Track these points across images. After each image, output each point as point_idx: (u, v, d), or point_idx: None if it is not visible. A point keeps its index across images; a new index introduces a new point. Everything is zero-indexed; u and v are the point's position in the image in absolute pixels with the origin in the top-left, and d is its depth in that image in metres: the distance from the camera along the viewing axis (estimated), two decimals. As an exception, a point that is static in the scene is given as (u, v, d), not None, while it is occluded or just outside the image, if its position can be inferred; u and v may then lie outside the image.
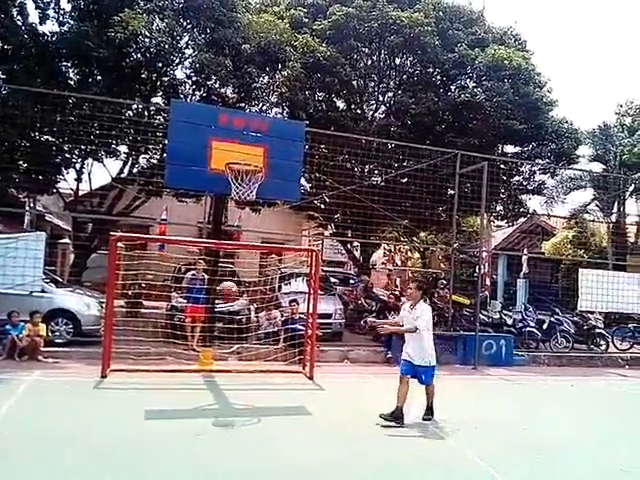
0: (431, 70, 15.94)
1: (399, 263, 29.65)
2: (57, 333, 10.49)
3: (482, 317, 13.31)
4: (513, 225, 21.41)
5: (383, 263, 29.08)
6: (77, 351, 10.10)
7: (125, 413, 6.55)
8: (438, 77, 16.18)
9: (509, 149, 17.56)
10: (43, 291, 10.45)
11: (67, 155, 13.47)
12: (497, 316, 14.50)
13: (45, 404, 6.88)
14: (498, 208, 18.18)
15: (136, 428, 6.04)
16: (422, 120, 14.96)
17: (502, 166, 16.44)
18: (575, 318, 14.71)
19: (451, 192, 14.91)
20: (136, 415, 6.45)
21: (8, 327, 9.57)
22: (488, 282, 19.08)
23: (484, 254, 17.39)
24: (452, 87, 16.19)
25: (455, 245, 14.92)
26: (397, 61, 16.00)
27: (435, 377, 7.06)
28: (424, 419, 7.01)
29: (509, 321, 14.30)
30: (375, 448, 5.90)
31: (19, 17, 12.74)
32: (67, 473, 4.71)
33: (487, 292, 17.88)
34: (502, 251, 23.32)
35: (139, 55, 12.17)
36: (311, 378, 9.32)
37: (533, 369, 12.26)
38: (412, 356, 6.85)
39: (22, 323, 9.65)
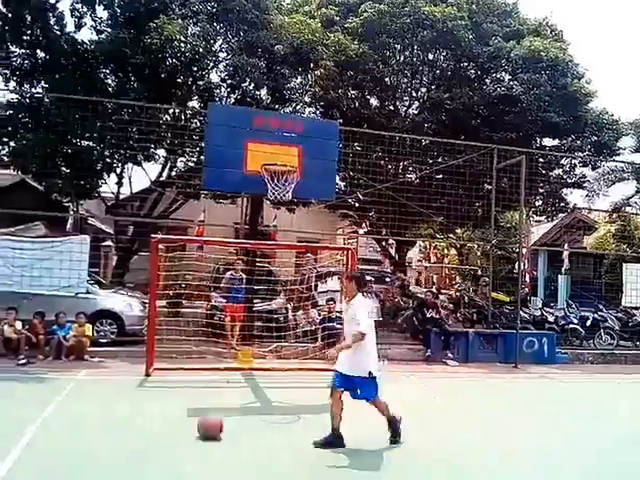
0: (465, 64, 15.74)
1: (435, 260, 29.34)
2: (102, 333, 10.80)
3: (523, 314, 13.09)
4: (553, 220, 20.91)
5: (419, 260, 28.82)
6: (121, 350, 10.40)
7: (169, 411, 6.69)
8: (473, 71, 15.97)
9: (547, 142, 17.17)
10: (88, 293, 10.79)
11: (108, 160, 13.83)
12: (538, 313, 14.22)
13: (92, 402, 7.10)
14: (537, 203, 17.81)
15: (180, 425, 6.15)
16: (457, 115, 14.79)
17: (541, 160, 16.11)
18: (619, 314, 14.30)
19: (488, 187, 14.69)
20: (180, 412, 6.58)
21: (55, 328, 9.89)
22: (528, 279, 18.69)
23: (524, 250, 17.03)
24: (487, 81, 15.94)
25: (493, 241, 14.68)
26: (430, 56, 15.85)
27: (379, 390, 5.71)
28: (391, 442, 5.77)
29: (551, 318, 14.00)
30: (417, 447, 5.86)
31: (57, 27, 13.20)
32: (113, 468, 4.85)
33: (527, 289, 17.53)
34: (542, 247, 22.77)
35: (175, 60, 12.41)
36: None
37: (577, 367, 12.00)
38: (344, 364, 5.58)
39: (69, 324, 9.97)
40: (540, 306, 15.43)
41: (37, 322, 9.87)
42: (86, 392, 7.71)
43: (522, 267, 15.69)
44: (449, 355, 11.51)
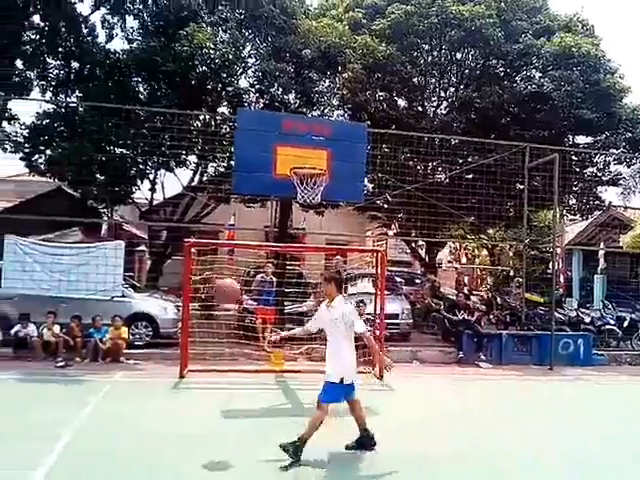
0: (494, 62, 15.56)
1: (466, 261, 28.99)
2: (137, 336, 11.02)
3: (558, 315, 12.82)
4: (588, 219, 20.42)
5: (449, 261, 28.52)
6: (156, 353, 10.60)
7: (203, 412, 6.81)
8: (502, 69, 15.78)
9: (580, 140, 16.82)
10: (123, 296, 11.03)
11: (141, 167, 14.14)
12: (574, 314, 13.91)
13: (128, 403, 7.27)
14: (571, 201, 17.45)
15: (212, 427, 6.27)
16: (487, 114, 14.63)
17: (574, 157, 15.79)
18: (658, 315, 13.88)
19: (520, 186, 14.47)
20: (214, 414, 6.70)
21: (92, 331, 10.15)
22: (562, 279, 18.31)
23: (558, 250, 16.70)
24: (517, 79, 15.74)
25: (526, 241, 14.45)
26: (458, 55, 15.73)
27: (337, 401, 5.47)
28: (348, 447, 5.56)
29: (587, 319, 13.67)
30: (451, 449, 5.82)
31: (90, 38, 13.58)
32: (149, 467, 4.96)
33: (562, 289, 17.18)
34: (577, 246, 22.26)
35: (204, 67, 12.62)
36: (380, 378, 9.30)
37: (614, 369, 11.71)
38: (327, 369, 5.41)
39: (105, 327, 10.22)
40: (575, 307, 15.11)
41: (74, 325, 10.13)
42: (122, 393, 7.88)
43: (556, 267, 15.39)
44: (482, 357, 11.37)
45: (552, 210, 13.98)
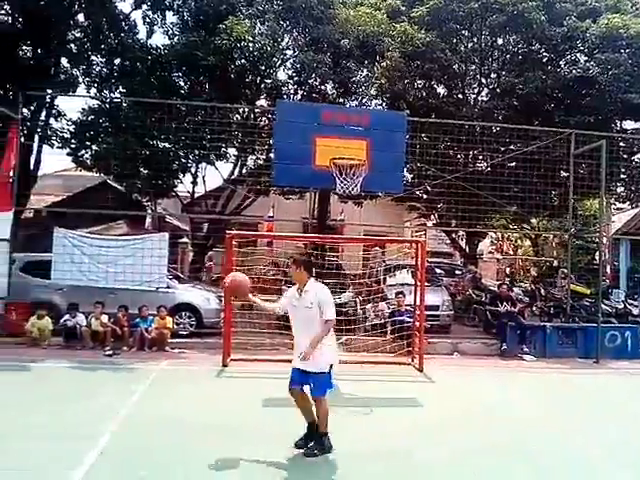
0: (538, 47, 15.09)
1: (509, 252, 28.41)
2: (181, 325, 11.30)
3: (604, 307, 12.44)
4: (638, 207, 19.68)
5: (490, 252, 28.02)
6: (199, 342, 10.85)
7: (246, 400, 6.94)
8: (545, 54, 15.29)
9: (628, 125, 16.19)
10: (168, 287, 11.31)
11: (183, 160, 14.40)
12: (621, 306, 13.49)
13: (173, 390, 7.48)
14: (619, 189, 16.83)
15: (255, 415, 6.39)
16: (530, 100, 14.22)
17: (622, 144, 15.22)
18: None
19: (565, 174, 14.06)
20: (255, 403, 6.81)
21: (138, 321, 10.45)
22: (608, 270, 17.74)
23: (604, 239, 16.18)
24: (562, 63, 15.23)
25: (572, 231, 14.04)
26: (500, 41, 15.36)
27: (331, 389, 5.26)
28: (297, 446, 5.27)
29: (635, 311, 13.27)
30: (495, 442, 5.76)
31: (131, 34, 13.88)
32: (187, 453, 5.09)
33: (608, 280, 16.65)
34: (624, 236, 21.50)
35: (243, 60, 12.72)
36: (421, 370, 9.26)
37: (665, 362, 11.29)
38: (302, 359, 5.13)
39: (150, 317, 10.52)
40: (622, 298, 14.63)
41: (122, 315, 10.45)
42: (168, 382, 8.09)
43: (603, 257, 14.92)
44: (525, 350, 11.16)
45: (598, 198, 13.53)
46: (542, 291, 15.27)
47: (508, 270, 25.76)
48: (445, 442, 5.70)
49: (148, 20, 14.30)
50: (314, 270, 5.69)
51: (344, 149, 9.23)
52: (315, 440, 5.24)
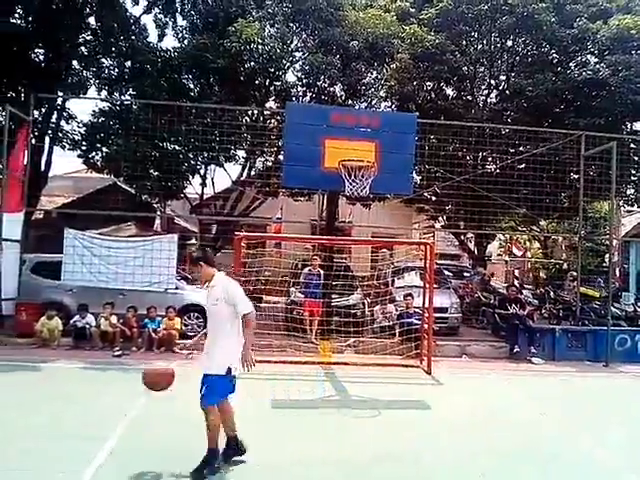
0: (547, 49, 15.03)
1: (517, 254, 28.29)
2: (189, 327, 11.31)
3: (614, 310, 12.35)
4: (648, 209, 19.57)
5: (499, 254, 27.91)
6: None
7: (253, 402, 6.93)
8: (555, 55, 15.21)
9: (639, 127, 16.07)
10: (176, 288, 11.36)
11: (192, 162, 14.46)
12: (631, 309, 13.36)
13: (181, 392, 7.45)
14: (629, 191, 16.71)
15: (263, 416, 6.40)
16: (540, 102, 14.15)
17: (632, 145, 15.11)
18: None
19: (575, 176, 13.98)
20: (263, 404, 6.84)
21: (147, 321, 10.49)
22: (618, 272, 17.62)
23: (614, 242, 16.06)
24: (572, 65, 15.13)
25: (582, 233, 13.95)
26: (509, 43, 15.30)
27: (232, 396, 4.85)
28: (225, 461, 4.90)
29: (645, 314, 13.12)
30: (496, 445, 5.74)
31: (141, 37, 13.97)
32: (194, 452, 5.03)
33: (618, 283, 16.53)
34: (635, 238, 21.33)
35: (253, 62, 12.74)
36: (429, 372, 9.24)
37: (676, 366, 11.19)
38: (202, 361, 4.84)
39: (159, 318, 10.56)
40: (633, 301, 14.51)
41: (131, 316, 10.52)
42: (176, 382, 8.08)
43: (613, 260, 14.82)
44: (534, 352, 11.10)
45: (608, 201, 13.44)
46: (551, 294, 15.18)
47: (517, 272, 25.64)
48: (453, 445, 5.69)
49: (159, 23, 14.39)
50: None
51: (353, 151, 9.25)
52: (205, 460, 4.61)
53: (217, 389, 4.62)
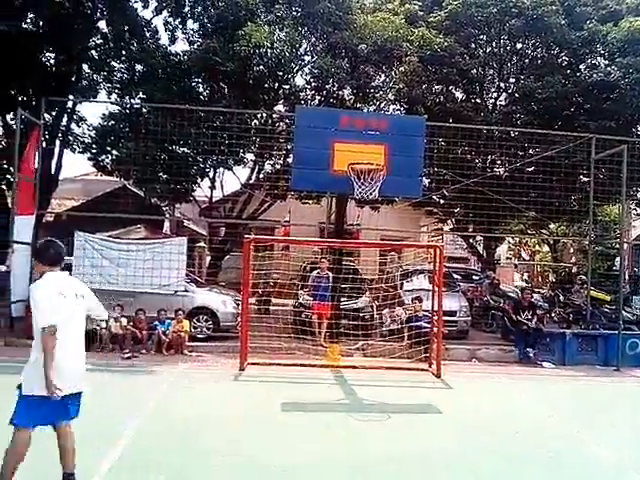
0: (557, 51, 14.99)
1: (526, 257, 28.18)
2: (198, 329, 11.35)
3: (625, 314, 12.25)
4: (659, 212, 19.44)
5: (508, 258, 27.81)
6: (216, 345, 10.88)
7: (263, 405, 6.96)
8: (565, 58, 15.16)
9: (650, 130, 15.96)
10: (186, 291, 11.39)
11: (201, 165, 14.51)
12: (642, 313, 13.27)
13: (191, 393, 7.53)
14: (639, 195, 16.60)
15: (273, 419, 6.39)
16: (549, 105, 14.08)
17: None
18: None
19: (585, 179, 13.90)
20: (273, 407, 6.82)
21: (156, 324, 10.52)
22: (627, 276, 17.49)
23: (625, 245, 15.95)
24: (582, 67, 15.09)
25: (592, 236, 13.86)
26: (519, 45, 15.28)
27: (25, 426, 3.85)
28: None
29: (656, 318, 13.02)
30: (505, 449, 5.71)
31: (152, 41, 14.06)
32: (206, 456, 5.10)
33: (628, 287, 16.41)
34: (646, 242, 21.20)
35: (262, 66, 12.76)
36: (439, 376, 9.20)
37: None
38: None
39: (168, 320, 10.58)
40: (643, 305, 14.39)
41: (140, 318, 10.56)
42: (186, 385, 8.14)
43: (623, 263, 14.71)
44: (544, 357, 11.03)
45: (618, 204, 13.35)
46: (561, 297, 15.08)
47: (526, 275, 25.54)
48: (461, 447, 5.66)
49: (168, 27, 14.47)
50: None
51: (362, 154, 9.26)
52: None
53: (20, 411, 3.82)
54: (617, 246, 14.11)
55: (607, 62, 14.37)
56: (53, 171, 14.27)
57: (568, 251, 24.71)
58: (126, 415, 6.13)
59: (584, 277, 14.14)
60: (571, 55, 14.90)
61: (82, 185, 21.71)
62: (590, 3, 14.58)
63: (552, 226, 20.08)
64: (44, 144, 12.60)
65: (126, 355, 9.89)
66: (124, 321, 10.40)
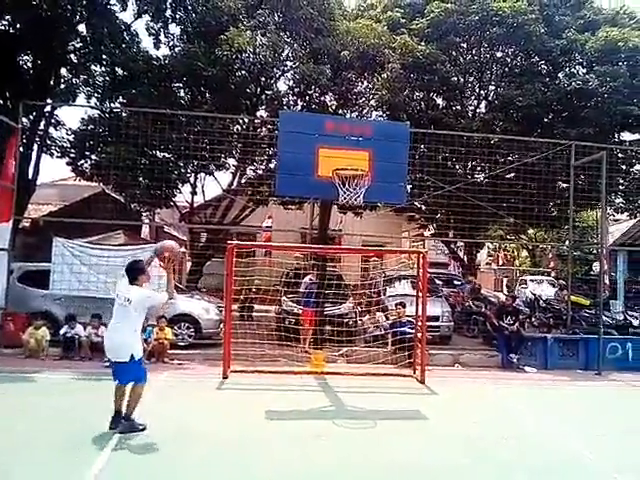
0: (537, 59, 15.26)
1: (505, 263, 28.48)
2: (180, 336, 11.16)
3: (605, 319, 12.42)
4: (636, 217, 19.79)
5: (488, 263, 28.09)
6: (198, 353, 10.73)
7: (248, 413, 6.86)
8: (544, 66, 15.45)
9: (627, 137, 16.32)
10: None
11: (182, 170, 14.36)
12: (621, 317, 13.47)
13: (174, 403, 7.37)
14: (617, 200, 16.92)
15: (258, 428, 6.29)
16: (529, 112, 14.31)
17: (620, 155, 15.34)
18: None
19: (563, 185, 14.10)
20: (258, 415, 6.73)
21: (137, 331, 10.32)
22: (607, 281, 17.76)
23: (604, 250, 16.20)
24: (560, 75, 15.38)
25: (572, 242, 14.05)
26: (499, 53, 15.53)
27: None
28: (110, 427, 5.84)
29: (635, 322, 13.22)
30: (489, 455, 5.71)
31: (133, 45, 13.88)
32: (191, 467, 5.01)
33: (606, 291, 16.66)
34: (624, 247, 21.54)
35: (244, 71, 12.72)
36: (422, 382, 9.19)
37: (667, 373, 11.27)
38: None
39: (149, 327, 10.39)
40: (622, 309, 14.63)
41: (120, 326, 10.32)
42: (169, 394, 7.97)
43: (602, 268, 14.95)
44: (526, 361, 11.11)
45: (596, 210, 13.58)
46: (541, 302, 15.25)
47: (505, 281, 25.81)
48: (448, 454, 5.64)
49: (150, 31, 14.30)
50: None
51: (347, 160, 9.23)
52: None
53: (139, 372, 5.93)
54: (594, 251, 14.29)
55: (585, 70, 14.67)
56: (31, 176, 13.95)
57: (547, 256, 25.04)
58: (107, 425, 5.96)
59: (563, 282, 14.32)
60: (550, 63, 15.19)
61: (59, 190, 21.28)
62: (569, 13, 14.90)
63: (531, 231, 20.35)
64: (21, 149, 12.33)
65: (106, 364, 9.64)
66: (103, 329, 10.17)
